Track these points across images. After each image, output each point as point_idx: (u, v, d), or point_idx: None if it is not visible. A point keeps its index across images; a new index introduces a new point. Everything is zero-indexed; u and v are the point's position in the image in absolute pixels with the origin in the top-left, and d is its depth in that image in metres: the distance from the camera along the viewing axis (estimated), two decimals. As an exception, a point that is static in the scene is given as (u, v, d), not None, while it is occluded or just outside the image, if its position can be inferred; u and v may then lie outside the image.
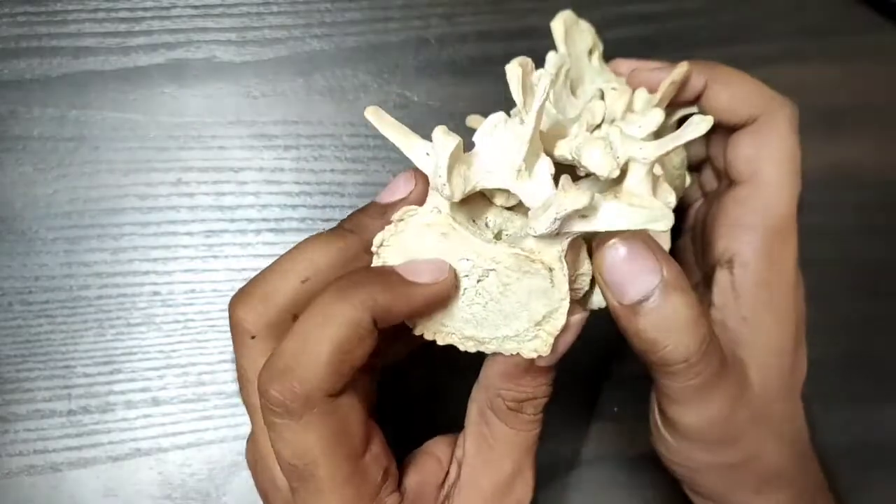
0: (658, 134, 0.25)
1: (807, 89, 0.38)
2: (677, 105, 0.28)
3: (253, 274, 0.24)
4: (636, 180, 0.23)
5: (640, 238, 0.22)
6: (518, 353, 0.23)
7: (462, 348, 0.24)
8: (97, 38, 0.37)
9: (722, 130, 0.28)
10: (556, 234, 0.22)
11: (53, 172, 0.36)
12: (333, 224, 0.25)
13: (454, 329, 0.24)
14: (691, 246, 0.30)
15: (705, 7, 0.39)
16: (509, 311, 0.23)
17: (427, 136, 0.22)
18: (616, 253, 0.22)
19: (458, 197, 0.22)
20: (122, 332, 0.35)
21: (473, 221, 0.24)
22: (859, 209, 0.37)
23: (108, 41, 0.37)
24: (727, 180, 0.28)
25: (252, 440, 0.25)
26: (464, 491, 0.25)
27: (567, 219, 0.21)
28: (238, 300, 0.23)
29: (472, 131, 0.24)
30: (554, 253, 0.22)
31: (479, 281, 0.23)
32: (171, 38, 0.37)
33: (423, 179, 0.24)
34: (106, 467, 0.34)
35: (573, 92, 0.27)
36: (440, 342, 0.24)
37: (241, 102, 0.37)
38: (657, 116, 0.25)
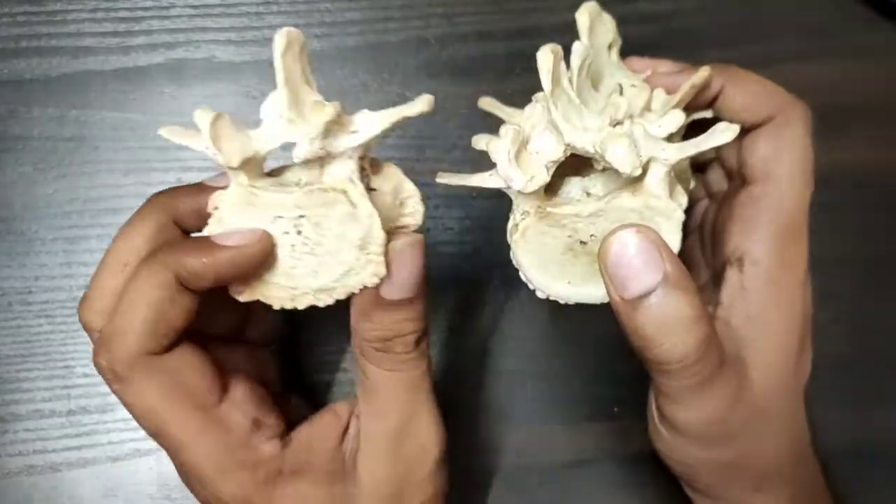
0: (670, 136, 0.25)
1: (808, 89, 0.38)
2: (693, 108, 0.28)
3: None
4: (656, 180, 0.24)
5: (648, 233, 0.22)
6: (364, 286, 0.24)
7: (321, 304, 0.24)
8: (97, 38, 0.37)
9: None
10: (335, 158, 0.23)
11: (53, 172, 0.36)
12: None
13: (304, 288, 0.24)
14: (699, 245, 0.30)
15: (707, 7, 0.39)
16: (334, 247, 0.23)
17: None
18: (623, 245, 0.22)
19: (235, 162, 0.23)
20: (122, 332, 0.35)
21: (281, 185, 0.25)
22: (859, 209, 0.37)
23: (108, 41, 0.37)
24: (739, 180, 0.28)
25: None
26: (363, 443, 0.26)
27: (329, 137, 0.23)
28: (81, 305, 0.25)
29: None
30: (342, 176, 0.23)
31: (298, 232, 0.24)
32: (171, 37, 0.37)
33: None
34: (105, 467, 0.34)
35: (594, 86, 0.27)
36: (300, 306, 0.24)
37: (240, 102, 0.37)
38: (678, 118, 0.25)
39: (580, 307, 0.26)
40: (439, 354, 0.35)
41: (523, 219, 0.26)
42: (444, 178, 0.26)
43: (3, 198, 0.35)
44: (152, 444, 0.34)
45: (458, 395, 0.35)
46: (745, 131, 0.27)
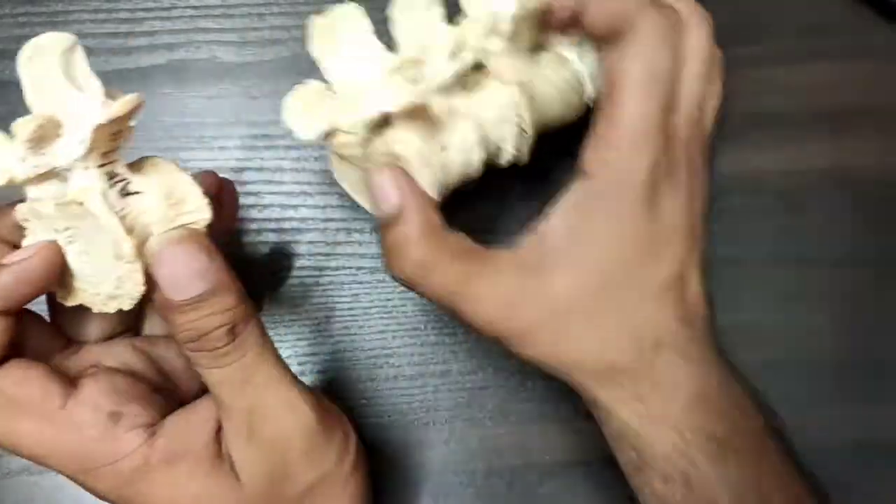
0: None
1: (807, 89, 0.38)
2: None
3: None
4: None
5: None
6: (142, 296, 0.23)
7: (126, 308, 0.24)
8: (98, 39, 0.37)
9: None
10: (72, 169, 0.23)
11: (55, 173, 0.36)
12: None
13: (103, 294, 0.24)
14: None
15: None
16: (100, 259, 0.23)
17: None
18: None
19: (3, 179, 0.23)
20: (123, 332, 0.35)
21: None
22: (859, 209, 0.37)
23: (110, 42, 0.37)
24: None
25: None
26: (228, 436, 0.25)
27: (42, 147, 0.22)
28: None
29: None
30: (81, 186, 0.23)
31: (70, 243, 0.24)
32: (172, 38, 0.37)
33: None
34: (107, 467, 0.34)
35: None
36: (111, 310, 0.24)
37: (241, 103, 0.37)
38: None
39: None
40: (439, 354, 0.35)
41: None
42: None
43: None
44: (153, 443, 0.34)
45: (457, 395, 0.35)
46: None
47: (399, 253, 0.26)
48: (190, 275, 0.23)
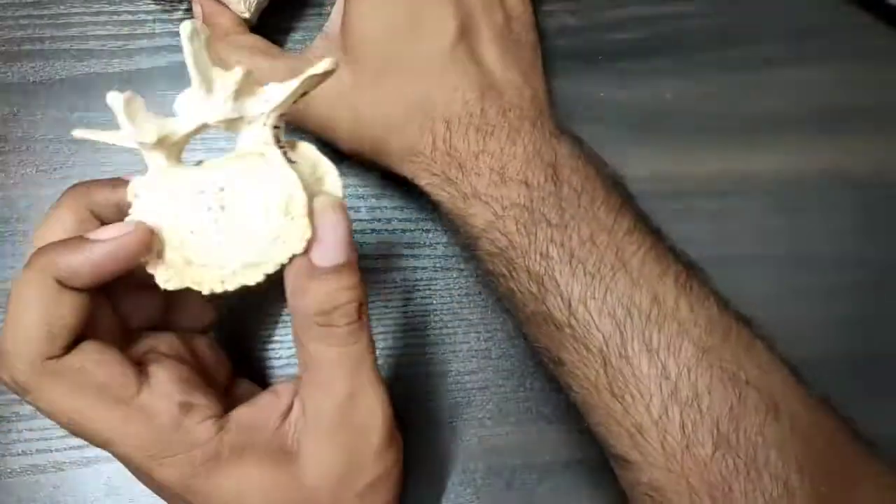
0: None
1: (804, 91, 0.38)
2: None
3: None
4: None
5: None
6: (293, 255, 0.23)
7: (253, 281, 0.24)
8: (100, 41, 0.37)
9: None
10: (252, 123, 0.24)
11: (56, 174, 0.36)
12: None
13: (233, 265, 0.24)
14: None
15: (702, 10, 0.39)
16: (259, 214, 0.23)
17: None
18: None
19: (152, 137, 0.24)
20: (125, 333, 0.35)
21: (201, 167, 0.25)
22: (857, 210, 0.37)
23: (111, 44, 0.37)
24: None
25: None
26: (307, 422, 0.26)
27: (241, 99, 0.23)
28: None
29: None
30: (259, 141, 0.24)
31: (221, 207, 0.24)
32: (174, 40, 0.37)
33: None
34: (108, 466, 0.34)
35: None
36: (231, 287, 0.24)
37: (242, 104, 0.37)
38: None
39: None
40: (439, 354, 0.36)
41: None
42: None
43: (6, 199, 0.36)
44: (154, 443, 0.34)
45: (457, 395, 0.35)
46: None
47: None
48: (338, 242, 0.23)
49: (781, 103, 0.38)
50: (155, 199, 0.24)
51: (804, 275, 0.37)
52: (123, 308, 0.27)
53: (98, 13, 0.37)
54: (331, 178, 0.25)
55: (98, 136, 0.24)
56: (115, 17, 0.37)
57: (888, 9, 0.38)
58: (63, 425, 0.24)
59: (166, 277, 0.24)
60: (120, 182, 0.25)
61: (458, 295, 0.36)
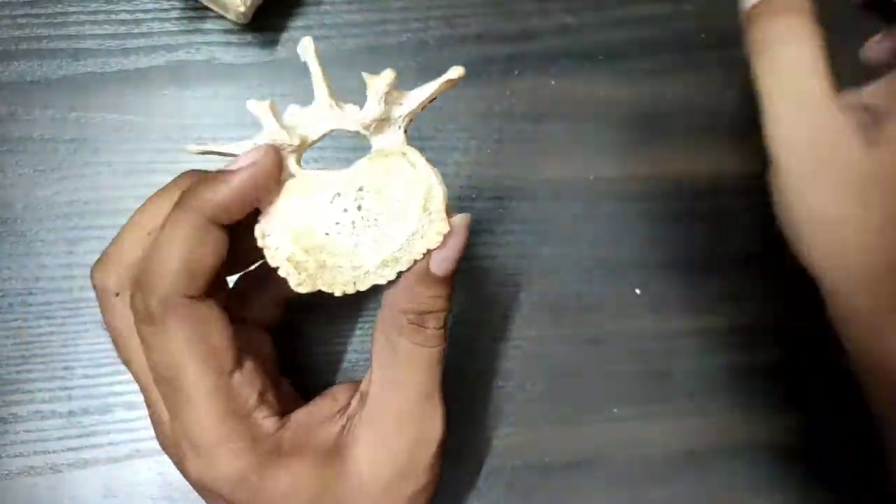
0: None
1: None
2: None
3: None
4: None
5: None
6: (427, 250, 0.25)
7: (384, 280, 0.25)
8: (97, 40, 0.37)
9: None
10: (390, 125, 0.25)
11: (54, 174, 0.36)
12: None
13: (368, 265, 0.25)
14: None
15: (704, 9, 0.39)
16: (398, 211, 0.25)
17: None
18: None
19: (298, 140, 0.25)
20: (123, 334, 0.35)
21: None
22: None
23: (108, 43, 0.37)
24: None
25: (153, 420, 0.26)
26: (369, 417, 0.26)
27: (388, 101, 0.24)
28: (96, 267, 0.25)
29: None
30: (398, 141, 0.25)
31: (359, 207, 0.25)
32: (171, 39, 0.37)
33: (269, 150, 0.25)
34: (106, 468, 0.34)
35: None
36: (362, 288, 0.25)
37: (241, 104, 0.36)
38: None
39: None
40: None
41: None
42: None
43: (3, 199, 0.36)
44: (153, 445, 0.34)
45: (457, 396, 0.35)
46: None
47: None
48: (456, 256, 0.25)
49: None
50: (288, 200, 0.25)
51: (803, 275, 0.37)
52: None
53: (95, 12, 0.37)
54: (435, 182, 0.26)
55: (261, 115, 0.24)
56: (113, 17, 0.37)
57: (889, 9, 0.38)
58: (157, 373, 0.24)
59: (299, 281, 0.25)
60: (222, 177, 0.25)
61: (459, 296, 0.36)
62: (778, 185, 0.25)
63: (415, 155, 0.25)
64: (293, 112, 0.25)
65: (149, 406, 0.26)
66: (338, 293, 0.25)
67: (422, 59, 0.38)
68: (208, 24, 0.37)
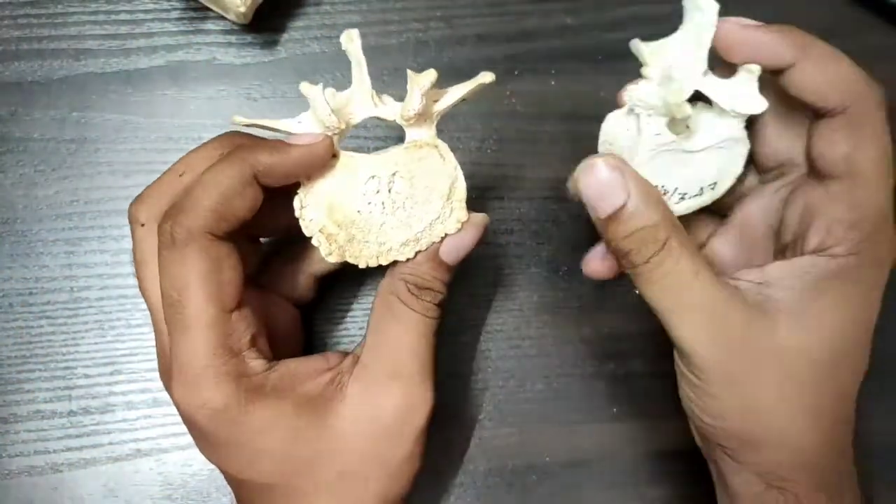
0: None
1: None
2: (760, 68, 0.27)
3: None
4: None
5: (611, 159, 0.25)
6: (446, 234, 0.27)
7: (403, 257, 0.27)
8: (98, 41, 0.37)
9: (797, 111, 0.27)
10: (426, 120, 0.27)
11: (54, 174, 0.36)
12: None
13: (392, 243, 0.27)
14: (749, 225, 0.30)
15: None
16: (424, 197, 0.27)
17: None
18: (589, 173, 0.25)
19: (345, 123, 0.27)
20: (123, 334, 0.35)
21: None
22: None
23: (109, 43, 0.37)
24: (810, 169, 0.26)
25: (158, 350, 0.28)
26: (359, 374, 0.27)
27: (428, 97, 0.26)
28: (131, 204, 0.28)
29: None
30: (432, 134, 0.28)
31: (390, 190, 0.27)
32: (172, 40, 0.37)
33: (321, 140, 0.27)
34: (106, 468, 0.34)
35: None
36: (384, 263, 0.27)
37: (241, 104, 0.37)
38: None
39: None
40: (439, 355, 0.35)
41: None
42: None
43: (4, 199, 0.36)
44: (153, 444, 0.34)
45: (457, 396, 0.35)
46: (817, 115, 0.26)
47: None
48: (466, 248, 0.28)
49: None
50: (325, 178, 0.27)
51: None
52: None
53: (96, 13, 0.37)
54: (460, 175, 0.28)
55: (313, 96, 0.26)
56: (113, 17, 0.37)
57: (889, 9, 0.38)
58: (165, 294, 0.25)
59: (328, 251, 0.27)
60: (281, 146, 0.26)
61: (459, 296, 0.36)
62: (691, 377, 0.26)
63: (445, 148, 0.27)
64: (333, 96, 0.27)
65: (156, 336, 0.27)
66: (361, 265, 0.27)
67: (422, 60, 0.38)
68: (208, 25, 0.37)
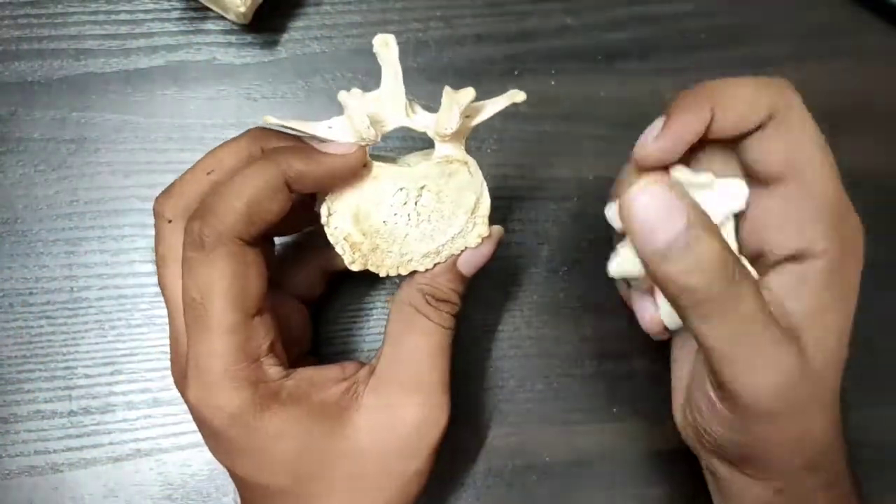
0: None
1: (807, 91, 0.38)
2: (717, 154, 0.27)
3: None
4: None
5: (662, 181, 0.23)
6: (466, 248, 0.28)
7: (422, 268, 0.28)
8: (98, 41, 0.37)
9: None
10: (457, 136, 0.27)
11: (54, 174, 0.36)
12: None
13: (413, 254, 0.28)
14: None
15: (705, 10, 0.39)
16: (449, 212, 0.27)
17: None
18: (641, 197, 0.23)
19: (379, 135, 0.27)
20: (123, 334, 0.35)
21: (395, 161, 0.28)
22: (859, 210, 0.37)
23: (109, 43, 0.37)
24: (757, 180, 0.27)
25: (172, 349, 0.27)
26: (375, 385, 0.27)
27: (464, 114, 0.26)
28: (158, 198, 0.27)
29: None
30: (462, 150, 0.27)
31: (416, 202, 0.27)
32: (172, 40, 0.37)
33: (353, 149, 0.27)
34: (107, 468, 0.34)
35: None
36: (404, 272, 0.28)
37: (241, 104, 0.37)
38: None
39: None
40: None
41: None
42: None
43: (4, 199, 0.36)
44: (153, 444, 0.34)
45: (457, 396, 0.35)
46: (745, 134, 0.26)
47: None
48: (482, 262, 0.28)
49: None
50: (353, 190, 0.27)
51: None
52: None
53: (96, 13, 0.37)
54: (486, 192, 0.28)
55: (354, 103, 0.26)
56: (113, 17, 0.37)
57: (889, 9, 0.38)
58: (188, 295, 0.25)
59: (352, 259, 0.27)
60: (313, 154, 0.26)
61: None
62: (725, 409, 0.25)
63: (474, 165, 0.28)
64: (363, 99, 0.26)
65: (172, 335, 0.27)
66: (382, 274, 0.28)
67: (422, 60, 0.38)
68: (209, 25, 0.37)
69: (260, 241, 0.26)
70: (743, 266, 0.24)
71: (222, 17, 0.37)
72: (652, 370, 0.36)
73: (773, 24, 0.39)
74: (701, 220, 0.23)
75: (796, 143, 0.25)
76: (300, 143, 0.27)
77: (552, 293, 0.36)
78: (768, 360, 0.24)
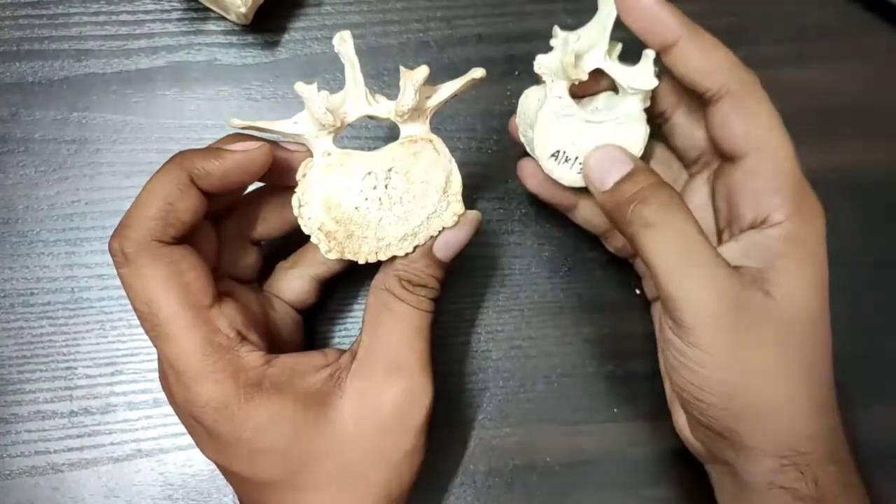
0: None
1: (806, 91, 0.38)
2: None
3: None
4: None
5: (614, 146, 0.29)
6: (443, 228, 0.28)
7: (402, 252, 0.28)
8: (99, 41, 0.37)
9: (682, 102, 0.31)
10: (419, 115, 0.28)
11: (55, 174, 0.36)
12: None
13: (390, 238, 0.28)
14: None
15: (705, 10, 0.38)
16: (420, 192, 0.28)
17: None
18: (596, 154, 0.28)
19: (339, 123, 0.27)
20: (124, 334, 0.35)
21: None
22: (859, 210, 0.37)
23: (110, 44, 0.37)
24: (718, 155, 0.30)
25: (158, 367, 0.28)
26: (357, 369, 0.27)
27: (421, 94, 0.27)
28: (111, 236, 0.27)
29: None
30: (426, 129, 0.28)
31: (386, 185, 0.28)
32: (172, 40, 0.37)
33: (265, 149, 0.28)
34: (107, 468, 0.34)
35: None
36: (383, 258, 0.28)
37: (241, 105, 0.37)
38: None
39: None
40: (440, 356, 0.35)
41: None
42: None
43: (5, 200, 0.36)
44: (154, 444, 0.34)
45: (458, 396, 0.35)
46: (706, 103, 0.29)
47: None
48: (459, 246, 0.28)
49: (781, 103, 0.38)
50: (323, 177, 0.28)
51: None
52: (231, 255, 0.30)
53: (97, 13, 0.37)
54: (455, 168, 0.28)
55: (308, 95, 0.27)
56: (114, 18, 0.37)
57: (889, 9, 0.38)
58: (137, 305, 0.26)
59: (328, 248, 0.28)
60: (217, 152, 0.27)
61: (460, 296, 0.36)
62: (685, 347, 0.26)
63: (440, 142, 0.28)
64: (327, 97, 0.27)
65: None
66: (361, 261, 0.28)
67: (422, 60, 0.37)
68: (209, 26, 0.37)
69: (189, 236, 0.27)
70: (676, 192, 0.27)
71: (223, 18, 0.37)
72: (652, 370, 0.36)
73: (773, 24, 0.39)
74: (640, 162, 0.28)
75: (755, 123, 0.28)
76: (208, 146, 0.28)
77: (552, 293, 0.36)
78: (703, 272, 0.26)
